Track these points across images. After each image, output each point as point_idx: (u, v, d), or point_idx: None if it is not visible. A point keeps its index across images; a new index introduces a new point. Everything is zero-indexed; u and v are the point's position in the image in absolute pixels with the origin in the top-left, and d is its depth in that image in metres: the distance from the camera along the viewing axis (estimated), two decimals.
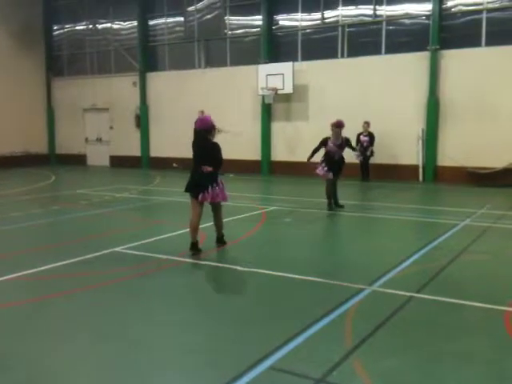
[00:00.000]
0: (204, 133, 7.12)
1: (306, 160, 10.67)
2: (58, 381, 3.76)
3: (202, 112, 19.23)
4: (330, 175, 10.39)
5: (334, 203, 10.63)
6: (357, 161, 12.81)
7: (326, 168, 10.37)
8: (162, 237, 8.21)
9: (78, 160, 22.89)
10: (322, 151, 10.57)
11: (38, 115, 23.32)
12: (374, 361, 3.90)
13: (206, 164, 7.00)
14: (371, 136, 15.73)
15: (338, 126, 10.28)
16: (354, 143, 10.92)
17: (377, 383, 3.59)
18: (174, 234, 8.42)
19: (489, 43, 14.94)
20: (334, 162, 10.40)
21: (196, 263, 6.76)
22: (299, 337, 4.31)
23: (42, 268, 6.40)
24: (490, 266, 6.64)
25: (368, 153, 15.62)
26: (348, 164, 11.17)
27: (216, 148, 7.15)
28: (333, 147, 10.30)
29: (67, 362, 4.00)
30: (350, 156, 11.09)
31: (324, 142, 10.43)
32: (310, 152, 10.53)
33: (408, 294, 5.39)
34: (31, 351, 4.14)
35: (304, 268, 6.43)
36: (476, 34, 15.13)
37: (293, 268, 6.39)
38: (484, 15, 15.06)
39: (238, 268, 6.44)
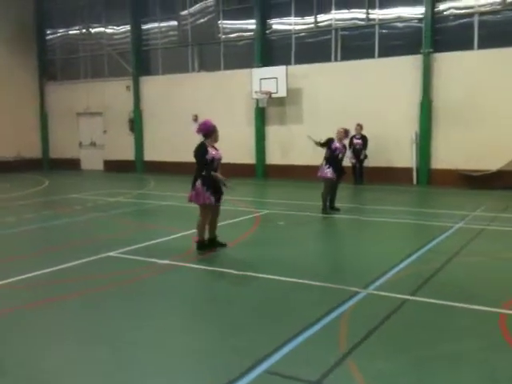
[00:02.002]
0: (204, 138, 7.33)
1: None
2: None
3: (196, 116, 19.34)
4: (334, 176, 10.59)
5: (329, 206, 10.70)
6: (349, 164, 12.97)
7: (330, 169, 10.58)
8: (156, 241, 8.18)
9: (72, 164, 22.81)
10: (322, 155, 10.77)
11: (32, 120, 23.23)
12: (369, 363, 3.90)
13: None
14: (364, 139, 15.74)
15: (346, 133, 11.03)
16: (347, 146, 11.40)
17: None
18: (168, 238, 8.40)
19: (481, 46, 15.03)
20: (337, 162, 10.66)
21: (190, 267, 6.74)
22: (294, 340, 4.31)
23: (37, 273, 6.36)
24: (485, 268, 6.67)
25: (362, 156, 15.65)
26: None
27: (196, 150, 7.31)
28: (339, 146, 10.70)
29: (64, 367, 3.98)
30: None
31: (329, 141, 10.66)
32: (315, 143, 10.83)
33: (402, 296, 5.39)
34: (28, 356, 4.11)
35: (298, 271, 6.42)
36: (468, 37, 15.22)
37: (287, 271, 6.39)
38: (476, 18, 15.16)
39: (233, 271, 6.44)
